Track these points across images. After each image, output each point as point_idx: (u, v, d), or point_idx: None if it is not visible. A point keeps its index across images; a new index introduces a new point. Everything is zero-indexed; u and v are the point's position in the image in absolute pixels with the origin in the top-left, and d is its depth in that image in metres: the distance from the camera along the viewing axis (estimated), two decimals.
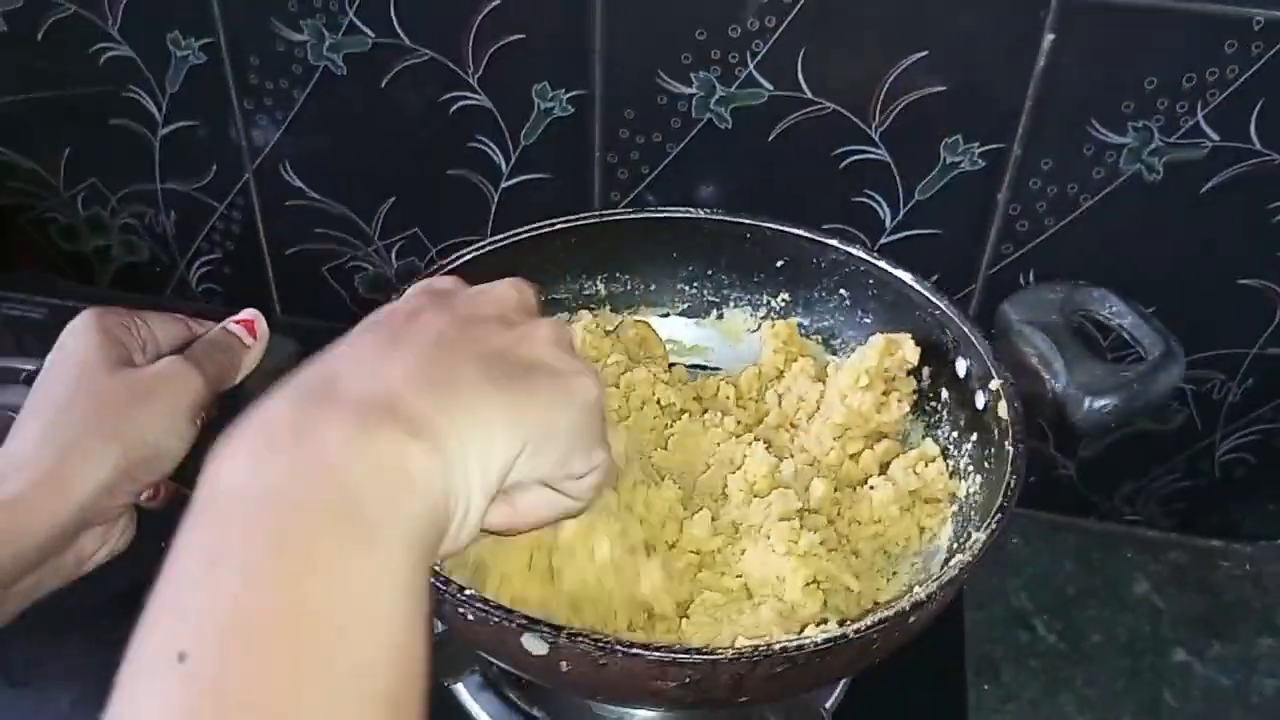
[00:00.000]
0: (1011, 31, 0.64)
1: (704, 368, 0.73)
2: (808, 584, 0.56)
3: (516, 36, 0.71)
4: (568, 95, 0.73)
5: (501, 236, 0.68)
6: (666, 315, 0.74)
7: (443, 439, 0.34)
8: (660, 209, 0.70)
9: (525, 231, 0.69)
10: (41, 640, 0.68)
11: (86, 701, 0.66)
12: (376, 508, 0.32)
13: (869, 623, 0.46)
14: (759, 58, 0.69)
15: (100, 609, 0.72)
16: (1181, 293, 0.71)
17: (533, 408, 0.37)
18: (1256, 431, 0.76)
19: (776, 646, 0.45)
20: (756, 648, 0.45)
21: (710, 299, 0.73)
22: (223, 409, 0.56)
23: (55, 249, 0.93)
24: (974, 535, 0.51)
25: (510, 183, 0.78)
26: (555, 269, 0.71)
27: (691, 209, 0.70)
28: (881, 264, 0.66)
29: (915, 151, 0.70)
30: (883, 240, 0.74)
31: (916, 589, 0.48)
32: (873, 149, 0.71)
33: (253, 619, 0.29)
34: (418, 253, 0.85)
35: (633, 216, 0.71)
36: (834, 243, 0.68)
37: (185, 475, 0.55)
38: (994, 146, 0.69)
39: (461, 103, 0.75)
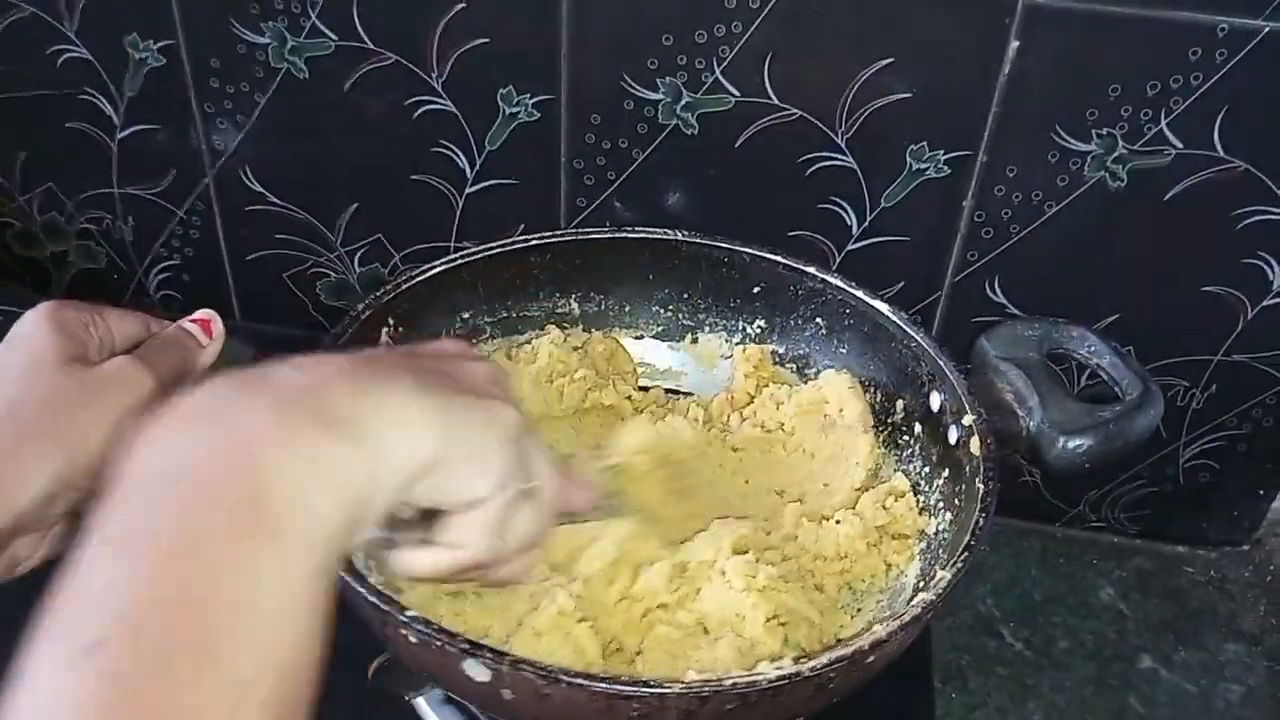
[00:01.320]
0: (977, 38, 0.65)
1: (677, 392, 0.73)
2: (768, 620, 0.54)
3: (481, 40, 0.71)
4: (533, 100, 0.73)
5: (476, 249, 0.68)
6: (640, 338, 0.73)
7: (366, 436, 0.35)
8: (637, 229, 0.70)
9: (499, 246, 0.69)
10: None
11: None
12: (287, 504, 0.32)
13: (825, 660, 0.45)
14: (725, 63, 0.68)
15: None
16: (1145, 300, 0.72)
17: (455, 417, 0.38)
18: (1220, 438, 0.77)
19: (728, 682, 0.44)
20: (707, 682, 0.44)
21: (685, 323, 0.73)
22: None
23: (10, 255, 0.92)
24: (940, 574, 0.50)
25: (475, 189, 0.78)
26: (529, 285, 0.70)
27: (669, 230, 0.69)
28: (859, 294, 0.66)
29: (881, 158, 0.70)
30: (849, 247, 0.74)
31: (877, 627, 0.47)
32: (839, 156, 0.70)
33: (157, 613, 0.28)
34: (380, 259, 0.84)
35: (609, 236, 0.70)
36: (812, 270, 0.67)
37: None
38: (960, 154, 0.69)
39: (426, 107, 0.74)
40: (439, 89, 0.73)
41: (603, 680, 0.44)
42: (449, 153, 0.76)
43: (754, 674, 0.44)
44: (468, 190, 0.78)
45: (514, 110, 0.73)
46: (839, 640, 0.48)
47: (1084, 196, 0.68)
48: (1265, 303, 0.70)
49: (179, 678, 0.28)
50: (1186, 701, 0.71)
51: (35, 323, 0.49)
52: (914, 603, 0.49)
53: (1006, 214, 0.70)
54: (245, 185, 0.82)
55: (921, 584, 0.58)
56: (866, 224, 0.73)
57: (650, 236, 0.70)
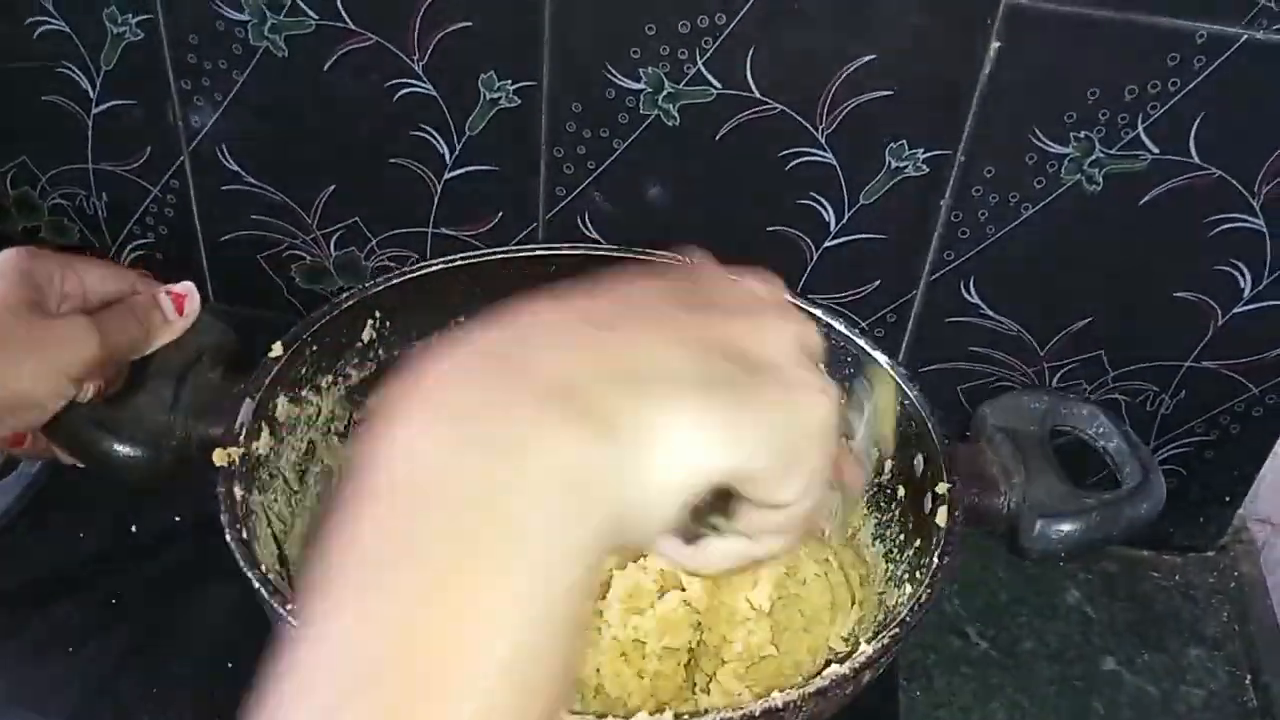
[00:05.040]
0: (958, 38, 0.65)
1: None
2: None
3: (464, 24, 0.70)
4: (515, 86, 0.72)
5: (480, 252, 0.68)
6: None
7: (630, 444, 0.30)
8: (642, 250, 0.69)
9: (503, 251, 0.69)
10: None
11: (7, 704, 0.64)
12: (552, 520, 0.28)
13: None
14: (708, 55, 0.68)
15: (10, 597, 0.70)
16: (1117, 304, 0.72)
17: (743, 423, 0.32)
18: (1188, 444, 0.77)
19: None
20: None
21: None
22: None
23: None
24: (862, 646, 0.48)
25: (454, 174, 0.77)
26: (530, 295, 0.69)
27: (677, 254, 0.68)
28: (861, 342, 0.64)
29: (861, 155, 0.70)
30: (826, 244, 0.74)
31: (775, 694, 0.45)
32: (819, 151, 0.70)
33: (417, 636, 0.26)
34: (357, 243, 0.83)
35: (618, 253, 0.69)
36: (817, 313, 0.65)
37: (58, 433, 0.54)
38: (938, 153, 0.69)
39: (405, 90, 0.74)
40: (419, 72, 0.73)
41: None
42: (428, 137, 0.76)
43: None
44: (446, 175, 0.77)
45: (495, 96, 0.73)
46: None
47: (1060, 199, 0.69)
48: (1236, 310, 0.70)
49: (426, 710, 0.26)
50: (1148, 704, 0.71)
51: (4, 262, 0.52)
52: (825, 674, 0.47)
53: (983, 215, 0.70)
54: (221, 164, 0.81)
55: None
56: (844, 221, 0.73)
57: (657, 259, 0.68)
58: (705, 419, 0.31)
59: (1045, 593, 0.78)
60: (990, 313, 0.74)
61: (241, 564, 0.50)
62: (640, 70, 0.70)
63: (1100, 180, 0.67)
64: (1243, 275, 0.69)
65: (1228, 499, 0.80)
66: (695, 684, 0.57)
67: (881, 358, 0.63)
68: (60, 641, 0.67)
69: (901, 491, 0.62)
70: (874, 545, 0.63)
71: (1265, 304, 0.70)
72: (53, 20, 0.77)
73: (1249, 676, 0.73)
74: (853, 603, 0.61)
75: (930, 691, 0.71)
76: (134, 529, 0.73)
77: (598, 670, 0.54)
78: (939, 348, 0.76)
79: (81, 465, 0.56)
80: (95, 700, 0.64)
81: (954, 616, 0.75)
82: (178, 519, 0.74)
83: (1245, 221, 0.67)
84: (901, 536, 0.61)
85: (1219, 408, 0.75)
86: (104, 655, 0.66)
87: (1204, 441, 0.77)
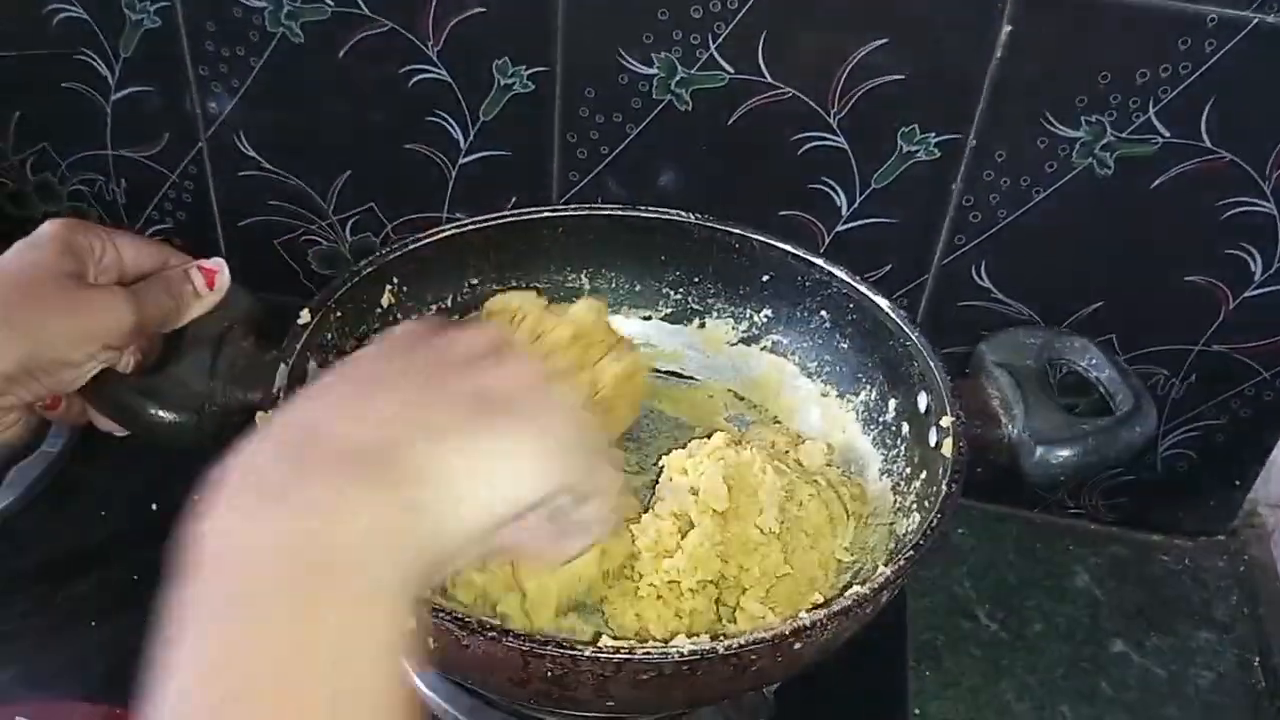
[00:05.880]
0: (970, 22, 0.65)
1: (679, 375, 0.73)
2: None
3: (478, 10, 0.71)
4: (528, 72, 0.73)
5: (488, 216, 0.68)
6: (649, 318, 0.73)
7: (432, 484, 0.34)
8: (651, 209, 0.70)
9: (512, 215, 0.69)
10: None
11: (29, 679, 0.65)
12: (370, 567, 0.32)
13: (743, 641, 0.45)
14: (720, 40, 0.69)
15: (33, 574, 0.71)
16: (1129, 288, 0.72)
17: (512, 448, 0.37)
18: (1198, 428, 0.77)
19: (639, 652, 0.44)
20: (618, 649, 0.44)
21: (694, 307, 0.73)
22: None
23: (3, 215, 0.92)
24: (880, 569, 0.50)
25: (468, 159, 0.78)
26: (539, 256, 0.71)
27: (681, 211, 0.70)
28: (862, 288, 0.66)
29: (872, 139, 0.71)
30: (838, 228, 0.74)
31: (803, 613, 0.47)
32: (831, 136, 0.71)
33: (256, 683, 0.29)
34: (373, 228, 0.84)
35: (622, 213, 0.70)
36: (820, 262, 0.68)
37: (104, 403, 0.56)
38: (950, 136, 0.69)
39: (420, 76, 0.75)
40: (434, 58, 0.74)
41: (518, 638, 0.44)
42: (443, 122, 0.77)
43: (666, 647, 0.45)
44: (460, 161, 0.78)
45: (509, 81, 0.74)
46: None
47: (1071, 183, 0.69)
48: (1246, 294, 0.71)
49: None
50: (1157, 685, 0.72)
51: (48, 233, 0.53)
52: (847, 594, 0.48)
53: (994, 199, 0.71)
54: (239, 150, 0.82)
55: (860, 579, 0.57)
56: (856, 205, 0.73)
57: (663, 216, 0.70)
58: (487, 449, 0.36)
59: (1055, 575, 0.78)
60: (1002, 296, 0.75)
61: None
62: (653, 55, 0.70)
63: (1111, 164, 0.68)
64: (1253, 259, 0.69)
65: (1238, 483, 0.80)
66: (721, 617, 0.58)
67: (882, 302, 0.65)
68: (82, 618, 0.68)
69: (906, 428, 0.64)
70: (881, 479, 0.64)
71: (1276, 288, 0.70)
72: (71, 8, 0.78)
73: (1258, 659, 0.74)
74: (847, 515, 0.63)
75: (940, 671, 0.72)
76: (155, 507, 0.75)
77: (638, 615, 0.56)
78: (950, 331, 0.76)
79: (125, 433, 0.58)
80: (117, 676, 0.65)
81: (964, 598, 0.76)
82: (199, 498, 0.75)
83: (1256, 205, 0.67)
84: (908, 470, 0.63)
85: (1230, 391, 0.75)
86: (125, 632, 0.67)
87: (1214, 425, 0.77)
